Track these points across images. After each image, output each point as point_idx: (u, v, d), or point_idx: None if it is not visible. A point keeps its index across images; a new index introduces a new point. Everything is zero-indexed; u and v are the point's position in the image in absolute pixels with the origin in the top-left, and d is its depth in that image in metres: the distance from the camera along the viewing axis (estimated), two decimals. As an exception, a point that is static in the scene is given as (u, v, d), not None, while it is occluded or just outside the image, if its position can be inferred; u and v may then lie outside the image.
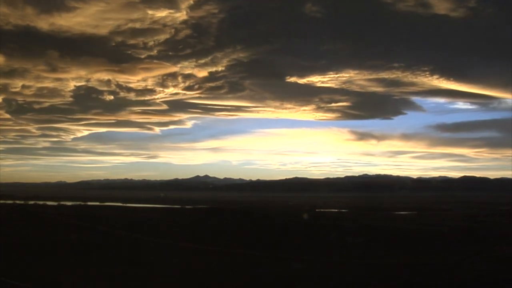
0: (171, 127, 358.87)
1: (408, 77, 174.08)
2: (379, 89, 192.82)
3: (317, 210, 68.08)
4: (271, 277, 14.81)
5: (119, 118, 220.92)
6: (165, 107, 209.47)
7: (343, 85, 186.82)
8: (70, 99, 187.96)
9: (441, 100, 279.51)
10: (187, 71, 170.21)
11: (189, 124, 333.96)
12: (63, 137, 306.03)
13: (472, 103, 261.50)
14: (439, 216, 53.49)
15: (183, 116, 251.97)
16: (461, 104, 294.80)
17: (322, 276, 15.14)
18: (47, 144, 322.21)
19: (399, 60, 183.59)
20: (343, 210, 67.42)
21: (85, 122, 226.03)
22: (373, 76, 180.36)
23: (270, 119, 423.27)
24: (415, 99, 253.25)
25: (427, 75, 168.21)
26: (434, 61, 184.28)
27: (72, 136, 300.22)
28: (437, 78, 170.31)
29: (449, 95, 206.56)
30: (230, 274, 15.06)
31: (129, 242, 23.09)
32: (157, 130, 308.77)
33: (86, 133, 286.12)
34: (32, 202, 69.51)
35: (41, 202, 69.96)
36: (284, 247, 22.38)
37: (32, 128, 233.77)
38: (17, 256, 17.77)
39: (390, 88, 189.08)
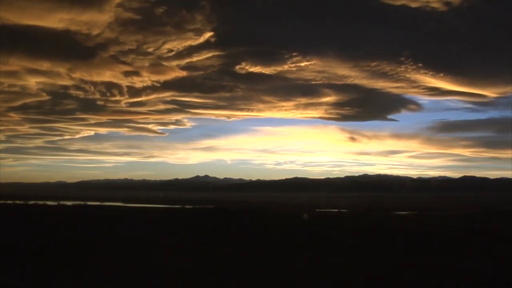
0: (170, 127, 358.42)
1: (392, 67, 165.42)
2: (363, 81, 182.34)
3: (317, 210, 68.16)
4: (273, 277, 14.81)
5: (115, 118, 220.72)
6: (158, 107, 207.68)
7: (321, 75, 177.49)
8: (47, 97, 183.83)
9: (437, 98, 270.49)
10: (146, 66, 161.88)
11: (188, 124, 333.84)
12: (62, 137, 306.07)
13: (470, 102, 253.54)
14: (439, 216, 53.53)
15: (181, 116, 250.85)
16: (459, 103, 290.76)
17: (322, 276, 15.15)
18: (44, 144, 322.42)
19: (378, 47, 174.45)
20: (343, 210, 67.45)
21: (84, 122, 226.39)
22: (352, 64, 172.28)
23: (262, 118, 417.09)
24: (408, 96, 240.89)
25: (411, 64, 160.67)
26: (416, 49, 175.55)
27: (71, 136, 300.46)
28: (422, 68, 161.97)
29: (444, 92, 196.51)
30: (233, 275, 15.06)
31: (130, 242, 23.08)
32: (157, 130, 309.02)
33: (85, 133, 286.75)
34: (32, 202, 69.62)
35: (41, 202, 70.06)
36: (285, 247, 22.39)
37: (27, 127, 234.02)
38: (17, 256, 17.76)
39: (376, 80, 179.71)
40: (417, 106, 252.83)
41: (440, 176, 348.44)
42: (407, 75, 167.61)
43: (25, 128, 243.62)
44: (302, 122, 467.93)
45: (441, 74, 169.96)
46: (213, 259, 18.12)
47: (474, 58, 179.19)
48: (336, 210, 66.97)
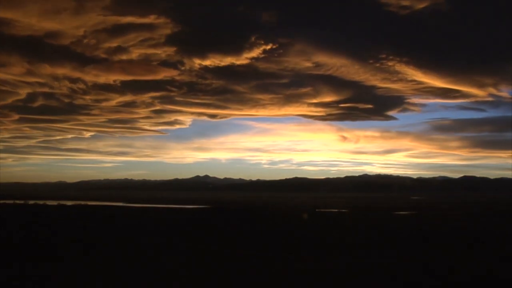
0: (170, 127, 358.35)
1: (374, 54, 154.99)
2: (342, 70, 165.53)
3: (317, 210, 68.16)
4: (272, 277, 14.83)
5: (114, 117, 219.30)
6: (155, 107, 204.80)
7: (296, 65, 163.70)
8: (23, 95, 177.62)
9: (433, 96, 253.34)
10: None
11: (187, 124, 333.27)
12: (62, 137, 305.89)
13: (467, 101, 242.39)
14: (439, 216, 53.51)
15: (181, 116, 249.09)
16: (456, 101, 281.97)
17: (322, 276, 15.15)
18: (45, 144, 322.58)
19: (356, 37, 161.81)
20: (343, 210, 67.47)
21: (83, 123, 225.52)
22: (328, 53, 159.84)
23: (256, 117, 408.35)
24: (402, 94, 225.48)
25: (392, 57, 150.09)
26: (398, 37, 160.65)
27: (71, 136, 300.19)
28: (405, 58, 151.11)
29: (439, 90, 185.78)
30: (233, 275, 15.09)
31: (131, 242, 23.10)
32: (157, 130, 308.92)
33: (85, 133, 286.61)
34: (32, 202, 69.70)
35: (41, 202, 70.09)
36: (284, 247, 22.41)
37: (27, 127, 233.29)
38: (17, 256, 17.76)
39: (357, 69, 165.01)
40: (411, 105, 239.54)
41: (440, 176, 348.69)
42: (390, 65, 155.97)
43: (23, 129, 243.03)
44: (294, 120, 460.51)
45: (425, 67, 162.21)
46: (214, 260, 18.13)
47: (467, 56, 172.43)
48: (336, 210, 67.04)
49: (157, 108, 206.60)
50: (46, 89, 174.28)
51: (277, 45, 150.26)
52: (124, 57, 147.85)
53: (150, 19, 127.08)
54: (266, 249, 21.48)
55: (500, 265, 17.81)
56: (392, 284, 14.20)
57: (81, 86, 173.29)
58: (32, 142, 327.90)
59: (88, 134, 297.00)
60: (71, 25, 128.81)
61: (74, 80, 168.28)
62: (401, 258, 19.21)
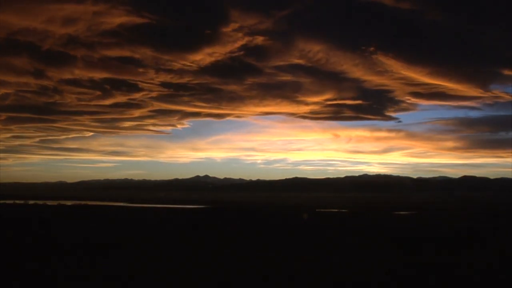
0: (170, 127, 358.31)
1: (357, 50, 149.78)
2: (320, 56, 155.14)
3: (317, 210, 68.23)
4: (272, 277, 14.81)
5: (114, 117, 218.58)
6: (154, 107, 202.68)
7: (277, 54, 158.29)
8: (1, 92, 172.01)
9: (431, 96, 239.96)
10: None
11: (187, 124, 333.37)
12: (61, 137, 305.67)
13: (466, 100, 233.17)
14: (439, 216, 53.55)
15: (180, 116, 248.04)
16: (456, 101, 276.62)
17: (322, 276, 15.14)
18: (45, 144, 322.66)
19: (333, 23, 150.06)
20: (343, 210, 67.52)
21: (83, 122, 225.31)
22: (305, 39, 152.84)
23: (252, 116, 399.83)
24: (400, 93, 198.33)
25: (374, 44, 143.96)
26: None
27: (71, 136, 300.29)
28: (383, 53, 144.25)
29: (436, 88, 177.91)
30: (233, 275, 15.06)
31: (131, 242, 23.09)
32: (157, 130, 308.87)
33: (85, 133, 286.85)
34: (32, 202, 69.86)
35: (41, 202, 70.22)
36: (284, 247, 22.39)
37: (27, 127, 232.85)
38: (18, 257, 17.76)
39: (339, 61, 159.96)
40: (405, 103, 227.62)
41: (440, 176, 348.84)
42: (371, 51, 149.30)
43: (22, 129, 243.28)
44: (283, 118, 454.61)
45: (410, 59, 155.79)
46: (212, 260, 18.14)
47: (462, 53, 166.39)
48: (336, 210, 67.12)
49: (152, 108, 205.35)
50: (25, 88, 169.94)
51: (252, 35, 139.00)
52: (86, 51, 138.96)
53: (87, 5, 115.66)
54: (266, 249, 21.48)
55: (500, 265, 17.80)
56: (392, 284, 14.20)
57: (56, 84, 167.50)
58: (27, 141, 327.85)
59: (88, 135, 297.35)
60: (19, 17, 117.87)
61: (52, 77, 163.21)
62: (401, 258, 19.22)
